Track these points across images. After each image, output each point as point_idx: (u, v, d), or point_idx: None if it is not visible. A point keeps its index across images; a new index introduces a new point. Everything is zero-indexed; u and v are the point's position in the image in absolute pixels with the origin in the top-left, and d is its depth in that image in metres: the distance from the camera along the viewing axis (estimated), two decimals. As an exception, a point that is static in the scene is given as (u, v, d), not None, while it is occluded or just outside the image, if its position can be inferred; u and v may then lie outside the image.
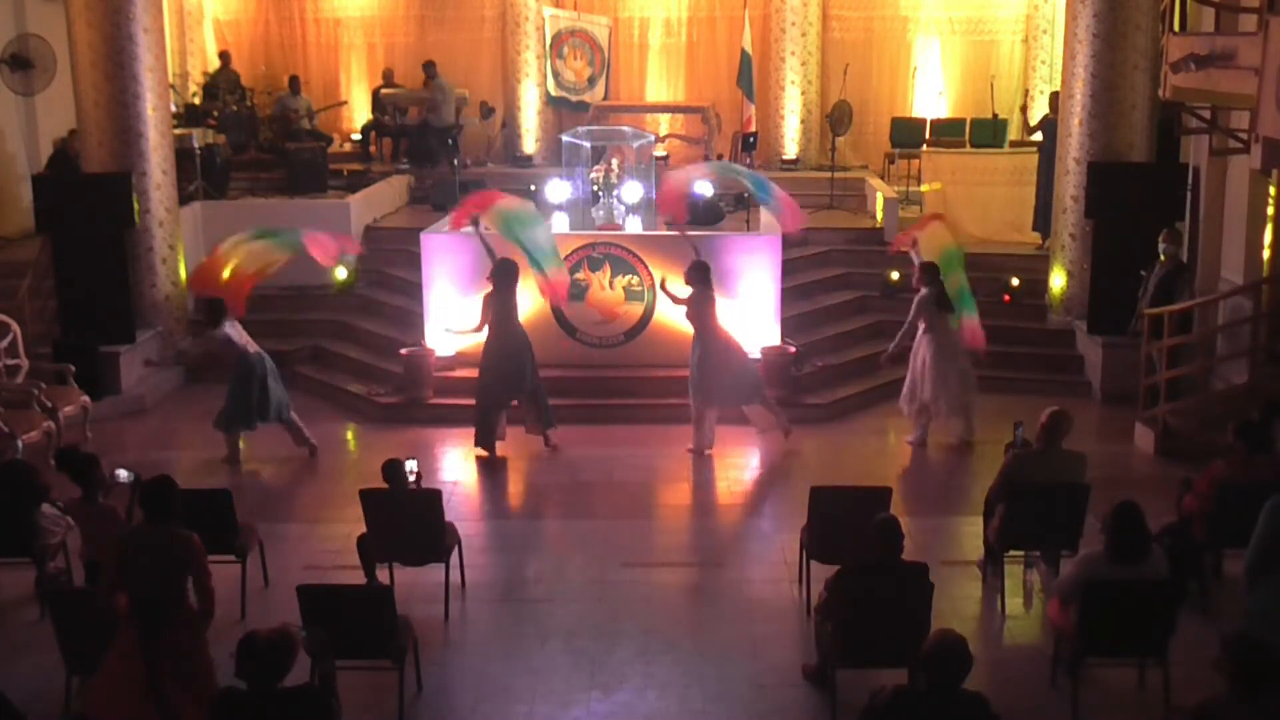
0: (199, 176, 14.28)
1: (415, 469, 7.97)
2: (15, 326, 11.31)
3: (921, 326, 10.60)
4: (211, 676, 5.86)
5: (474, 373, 10.97)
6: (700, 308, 10.46)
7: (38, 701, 6.38)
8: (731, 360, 10.51)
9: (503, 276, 10.47)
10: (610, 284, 12.02)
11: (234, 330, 10.24)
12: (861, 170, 17.16)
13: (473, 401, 10.68)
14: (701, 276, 10.49)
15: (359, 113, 18.37)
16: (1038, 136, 14.74)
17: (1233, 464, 7.63)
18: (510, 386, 10.52)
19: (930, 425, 10.73)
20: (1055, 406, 7.98)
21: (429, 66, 17.07)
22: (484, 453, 10.58)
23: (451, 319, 11.59)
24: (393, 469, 7.72)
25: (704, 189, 14.31)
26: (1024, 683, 6.85)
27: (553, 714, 6.65)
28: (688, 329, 10.95)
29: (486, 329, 10.57)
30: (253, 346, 10.37)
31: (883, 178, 16.71)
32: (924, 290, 10.50)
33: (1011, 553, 7.98)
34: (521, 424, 10.79)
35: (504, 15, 18.08)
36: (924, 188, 15.02)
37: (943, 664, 4.91)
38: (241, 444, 10.54)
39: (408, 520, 7.75)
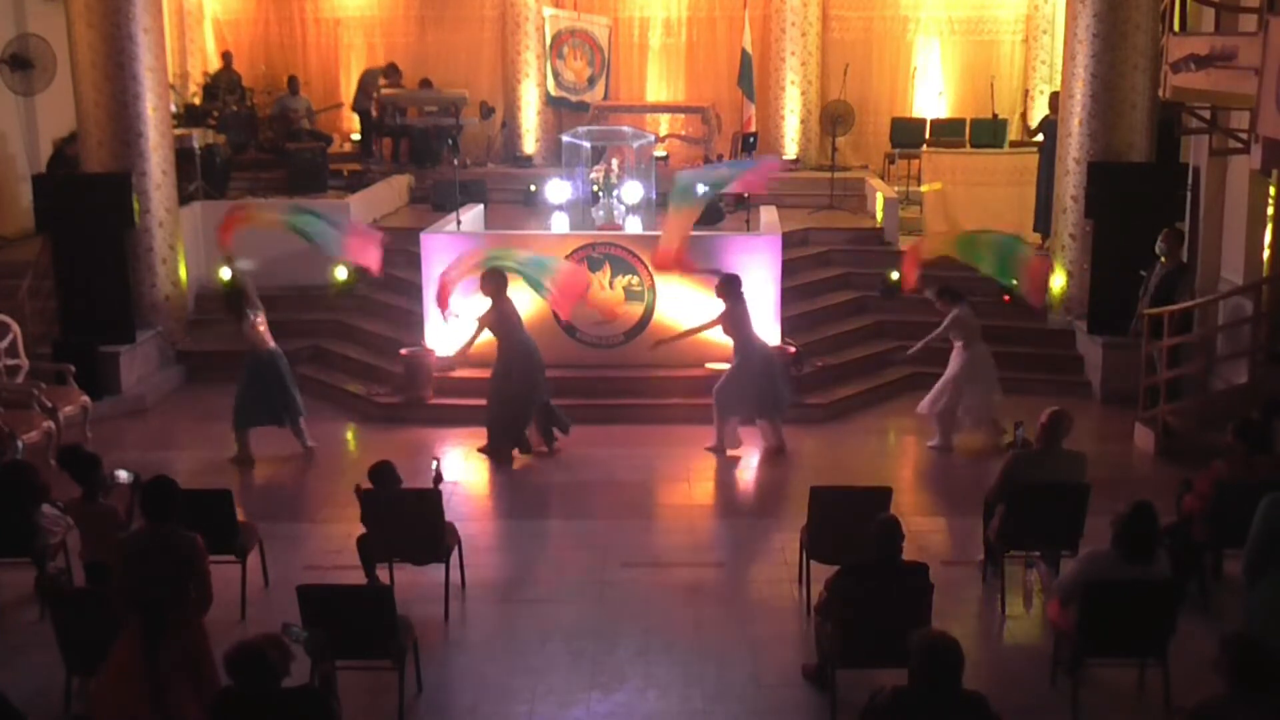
0: (199, 176, 14.27)
1: (437, 468, 8.11)
2: (15, 326, 11.31)
3: (958, 344, 10.51)
4: (216, 677, 5.85)
5: (475, 372, 10.97)
6: (736, 321, 10.45)
7: (38, 701, 6.39)
8: (773, 372, 10.55)
9: (494, 287, 10.42)
10: (610, 284, 12.02)
11: (260, 322, 10.32)
12: (861, 170, 17.16)
13: (483, 403, 10.64)
14: (733, 290, 10.48)
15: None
16: (1039, 138, 14.76)
17: (1233, 464, 7.63)
18: (529, 399, 10.47)
19: (953, 432, 10.67)
20: (1055, 406, 7.99)
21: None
22: (483, 453, 10.62)
23: (446, 341, 11.47)
24: (381, 472, 7.71)
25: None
26: (1024, 683, 6.85)
27: (553, 714, 6.65)
28: (687, 328, 10.96)
29: (497, 343, 10.48)
30: (271, 343, 10.43)
31: (883, 178, 16.71)
32: (956, 310, 10.40)
33: (1011, 553, 7.97)
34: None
35: (504, 15, 18.09)
36: (924, 188, 15.02)
37: (928, 664, 4.92)
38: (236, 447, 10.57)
39: (407, 520, 7.75)
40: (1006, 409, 10.37)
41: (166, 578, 5.83)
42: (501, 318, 10.43)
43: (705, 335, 10.93)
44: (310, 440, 10.60)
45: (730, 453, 10.60)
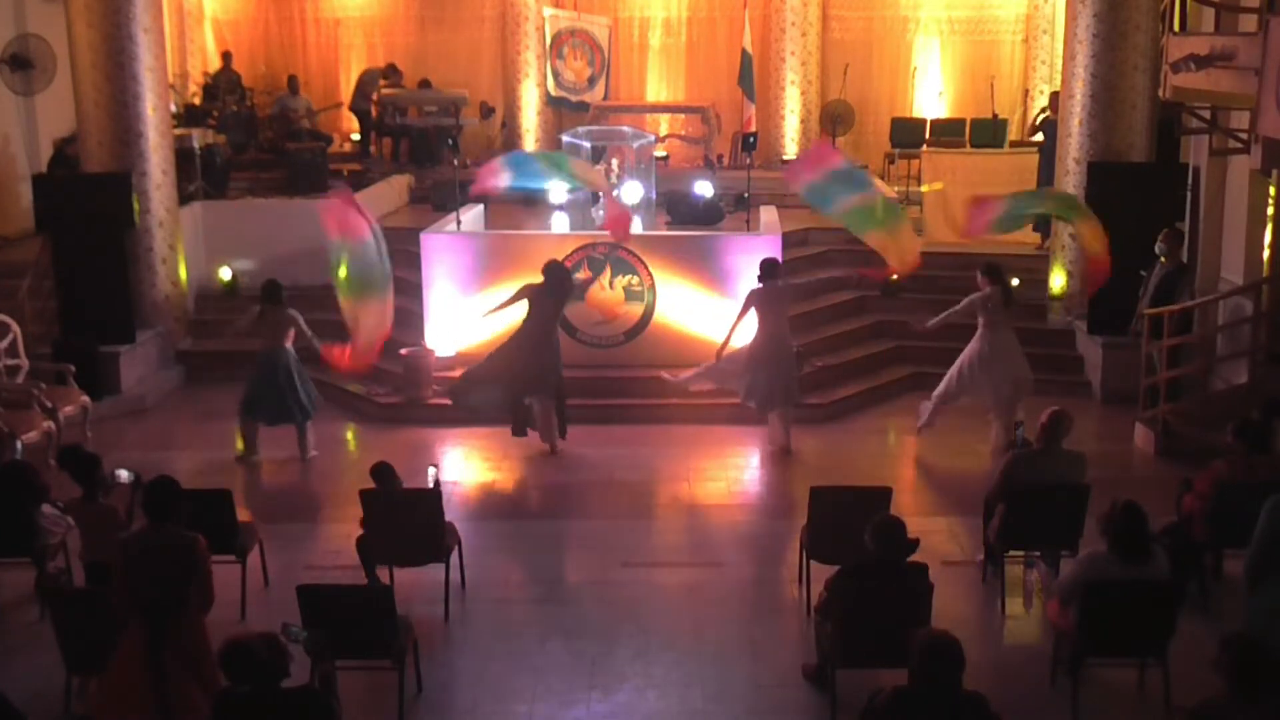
0: (199, 176, 14.26)
1: (434, 475, 8.08)
2: (15, 326, 11.30)
3: (981, 323, 10.42)
4: (218, 678, 5.84)
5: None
6: (767, 303, 10.42)
7: (38, 701, 6.38)
8: (784, 359, 10.53)
9: (554, 278, 10.43)
10: (610, 284, 12.02)
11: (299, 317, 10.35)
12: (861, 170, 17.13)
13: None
14: (774, 272, 10.50)
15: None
16: (1038, 137, 14.75)
17: (1233, 464, 7.63)
18: (509, 374, 10.43)
19: (939, 417, 10.66)
20: (1055, 406, 7.98)
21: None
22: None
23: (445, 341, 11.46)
24: (381, 472, 7.70)
25: (704, 189, 14.34)
26: (1024, 683, 6.84)
27: (553, 714, 6.65)
28: (687, 329, 10.94)
29: (522, 320, 10.48)
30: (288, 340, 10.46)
31: (883, 178, 16.67)
32: (988, 289, 10.28)
33: (1011, 553, 7.98)
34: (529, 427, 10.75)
35: (504, 15, 18.09)
36: (924, 188, 15.02)
37: (928, 664, 4.92)
38: (239, 444, 10.58)
39: (407, 520, 7.75)
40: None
41: (168, 578, 5.82)
42: (540, 299, 10.40)
43: (706, 334, 10.92)
44: (313, 450, 10.55)
45: (690, 386, 10.86)
